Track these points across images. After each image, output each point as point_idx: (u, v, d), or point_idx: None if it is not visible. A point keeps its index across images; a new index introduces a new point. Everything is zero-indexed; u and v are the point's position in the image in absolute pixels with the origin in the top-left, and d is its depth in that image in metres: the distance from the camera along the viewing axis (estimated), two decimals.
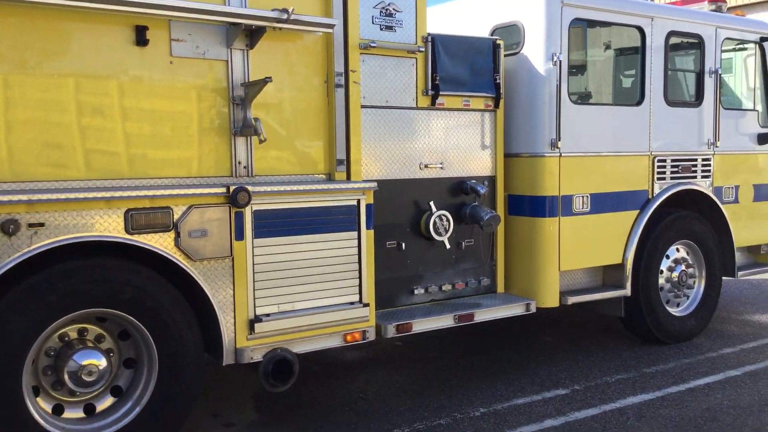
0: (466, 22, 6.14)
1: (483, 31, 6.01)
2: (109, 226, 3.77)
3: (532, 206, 5.64)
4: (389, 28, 5.04)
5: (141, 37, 4.05)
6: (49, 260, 3.65)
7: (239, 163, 4.41)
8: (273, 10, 4.28)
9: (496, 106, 5.58)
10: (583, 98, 5.82)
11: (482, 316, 5.26)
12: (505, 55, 5.62)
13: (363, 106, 4.90)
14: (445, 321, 5.09)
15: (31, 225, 3.55)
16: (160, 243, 3.92)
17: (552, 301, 5.63)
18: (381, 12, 5.00)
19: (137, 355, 4.05)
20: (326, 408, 4.91)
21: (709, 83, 6.55)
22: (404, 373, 5.70)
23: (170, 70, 4.17)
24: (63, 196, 3.62)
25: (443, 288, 5.41)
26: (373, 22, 4.96)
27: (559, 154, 5.58)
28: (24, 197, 3.50)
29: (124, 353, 4.04)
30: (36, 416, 3.66)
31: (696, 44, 6.51)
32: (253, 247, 4.22)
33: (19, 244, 3.52)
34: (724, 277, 6.83)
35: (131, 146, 4.00)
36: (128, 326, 3.96)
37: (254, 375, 5.35)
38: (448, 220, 5.29)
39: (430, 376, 5.56)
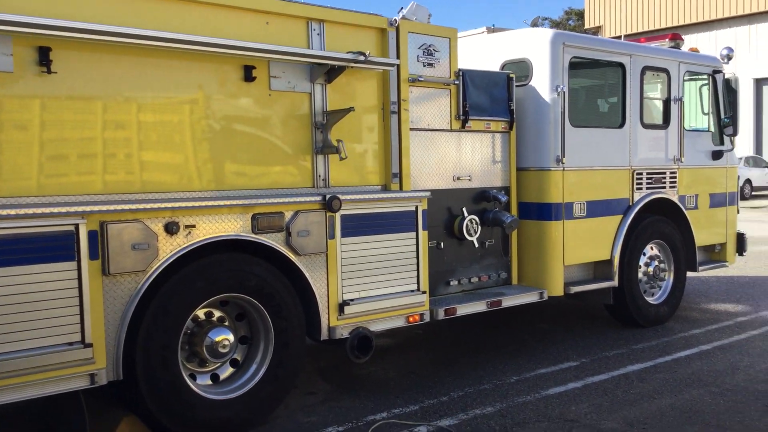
0: (479, 56, 7.25)
1: (494, 65, 7.13)
2: (241, 228, 4.68)
3: (541, 212, 6.77)
4: (430, 64, 6.08)
5: (249, 75, 4.97)
6: (192, 255, 4.52)
7: (319, 176, 5.36)
8: (349, 52, 5.28)
9: (510, 128, 6.69)
10: (579, 122, 6.98)
11: (508, 302, 6.34)
12: (516, 86, 6.75)
13: (411, 129, 5.92)
14: (480, 306, 6.13)
15: (186, 226, 4.43)
16: (276, 241, 4.85)
17: (558, 290, 6.76)
18: (424, 52, 6.03)
19: (251, 333, 4.94)
20: (384, 380, 5.88)
21: (674, 109, 7.86)
22: (437, 353, 6.71)
23: (269, 102, 5.10)
24: (211, 203, 4.52)
25: (471, 280, 6.46)
26: (417, 60, 5.98)
27: (562, 168, 6.73)
28: (183, 204, 4.40)
29: (240, 332, 4.93)
30: (186, 380, 4.52)
31: (663, 76, 7.81)
32: (341, 245, 5.18)
33: (178, 242, 4.40)
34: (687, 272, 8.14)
35: (246, 164, 4.91)
36: (247, 308, 4.86)
37: (314, 354, 6.30)
38: (477, 223, 6.35)
39: (459, 356, 6.59)
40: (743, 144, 37.48)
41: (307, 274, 4.98)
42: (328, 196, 5.07)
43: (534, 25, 7.32)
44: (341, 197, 5.14)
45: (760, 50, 36.99)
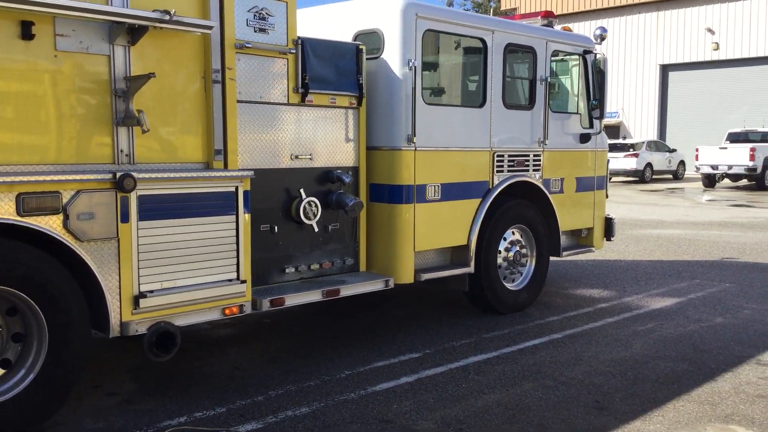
0: (331, 27, 6.73)
1: (347, 36, 6.62)
2: (5, 210, 4.01)
3: (391, 194, 6.35)
4: (263, 30, 5.51)
5: (26, 32, 4.29)
6: None
7: (121, 151, 4.73)
8: (155, 11, 4.64)
9: (359, 104, 6.21)
10: (435, 99, 6.59)
11: (347, 291, 5.90)
12: (367, 59, 6.27)
13: (239, 101, 5.34)
14: (314, 296, 5.67)
15: None
16: (50, 225, 4.21)
17: (408, 277, 6.38)
18: (255, 15, 5.46)
19: (25, 330, 4.31)
20: (203, 377, 5.36)
21: (540, 89, 7.57)
22: (274, 345, 6.24)
23: (55, 63, 4.43)
24: None
25: (312, 267, 5.99)
26: (247, 24, 5.41)
27: (414, 148, 6.32)
28: None
29: (12, 328, 4.29)
30: None
31: (529, 55, 7.50)
32: (137, 229, 4.58)
33: None
34: (551, 257, 7.93)
35: (18, 133, 4.24)
36: (17, 302, 4.21)
37: (130, 350, 5.71)
38: (316, 205, 5.87)
39: (298, 348, 6.14)
40: (648, 129, 38.67)
41: (91, 263, 4.37)
42: (119, 174, 4.45)
43: (449, 4, 6.85)
44: (137, 175, 4.53)
45: (666, 37, 38.02)
